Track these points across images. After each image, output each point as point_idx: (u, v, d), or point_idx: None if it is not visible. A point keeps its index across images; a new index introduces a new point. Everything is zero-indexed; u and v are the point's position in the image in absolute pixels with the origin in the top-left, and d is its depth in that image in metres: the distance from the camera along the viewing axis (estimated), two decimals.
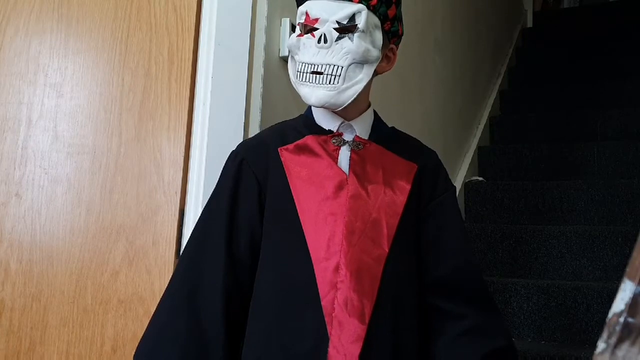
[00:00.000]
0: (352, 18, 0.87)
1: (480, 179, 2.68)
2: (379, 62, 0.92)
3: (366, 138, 0.94)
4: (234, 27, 1.19)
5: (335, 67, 0.87)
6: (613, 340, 0.41)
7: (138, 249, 1.13)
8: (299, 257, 0.85)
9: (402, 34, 0.99)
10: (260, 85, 1.20)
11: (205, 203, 0.95)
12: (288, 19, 1.29)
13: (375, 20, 0.90)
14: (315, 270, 0.83)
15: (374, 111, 1.00)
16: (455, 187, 1.01)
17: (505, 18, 3.80)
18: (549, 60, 3.66)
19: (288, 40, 0.95)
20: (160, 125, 1.17)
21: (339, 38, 0.87)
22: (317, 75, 0.87)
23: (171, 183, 1.14)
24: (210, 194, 0.95)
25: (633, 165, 2.48)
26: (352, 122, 0.94)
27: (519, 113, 3.21)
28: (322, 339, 0.80)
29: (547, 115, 3.01)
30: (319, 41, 0.87)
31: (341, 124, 0.93)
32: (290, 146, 0.92)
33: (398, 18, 0.96)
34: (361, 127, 0.95)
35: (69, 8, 1.26)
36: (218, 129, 1.15)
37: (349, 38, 0.87)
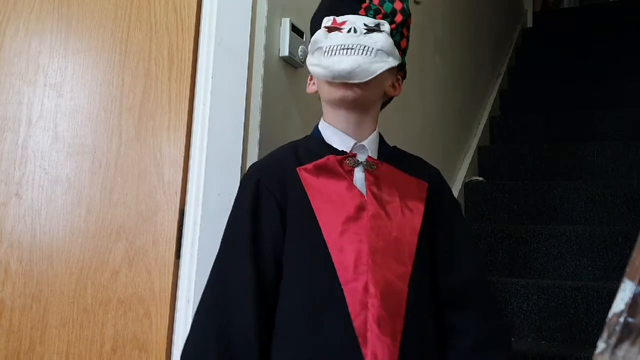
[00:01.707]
0: (377, 25, 0.91)
1: (480, 179, 2.68)
2: (389, 85, 0.96)
3: (376, 158, 0.95)
4: (234, 27, 1.19)
5: (366, 47, 0.88)
6: (613, 340, 0.41)
7: (138, 249, 1.13)
8: (326, 278, 0.84)
9: (406, 72, 1.02)
10: (260, 85, 1.20)
11: (226, 228, 0.93)
12: (288, 19, 1.29)
13: (392, 40, 0.93)
14: (344, 291, 0.82)
15: (379, 132, 1.01)
16: (460, 203, 1.03)
17: (505, 18, 3.80)
18: (549, 60, 3.66)
19: (312, 38, 0.95)
20: (160, 125, 1.17)
21: (367, 32, 0.90)
22: (348, 50, 0.88)
23: (171, 183, 1.14)
24: (228, 219, 0.93)
25: (633, 165, 2.48)
26: (364, 143, 0.95)
27: (519, 113, 3.21)
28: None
29: (547, 115, 3.01)
30: (348, 31, 0.90)
31: (355, 144, 0.94)
32: (309, 166, 0.91)
33: (406, 53, 0.99)
34: (372, 148, 0.96)
35: (69, 8, 1.26)
36: (218, 129, 1.15)
37: (377, 32, 0.90)
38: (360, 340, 0.80)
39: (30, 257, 1.17)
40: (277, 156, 0.99)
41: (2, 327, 1.15)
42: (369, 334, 0.80)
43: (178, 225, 1.12)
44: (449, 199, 1.00)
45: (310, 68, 0.95)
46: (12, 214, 1.19)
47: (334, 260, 0.84)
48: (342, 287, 0.82)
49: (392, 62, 0.91)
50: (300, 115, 1.32)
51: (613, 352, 0.40)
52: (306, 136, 1.02)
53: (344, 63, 0.87)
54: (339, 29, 0.91)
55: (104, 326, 1.11)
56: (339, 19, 0.92)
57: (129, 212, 1.14)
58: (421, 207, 0.92)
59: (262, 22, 1.23)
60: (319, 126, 0.99)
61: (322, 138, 0.97)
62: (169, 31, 1.20)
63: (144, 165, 1.16)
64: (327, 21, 0.93)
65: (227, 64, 1.17)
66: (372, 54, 0.88)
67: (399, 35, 0.94)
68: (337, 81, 0.90)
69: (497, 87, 3.37)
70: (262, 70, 1.21)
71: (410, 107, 2.06)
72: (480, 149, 2.86)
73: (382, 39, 0.90)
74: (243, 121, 1.17)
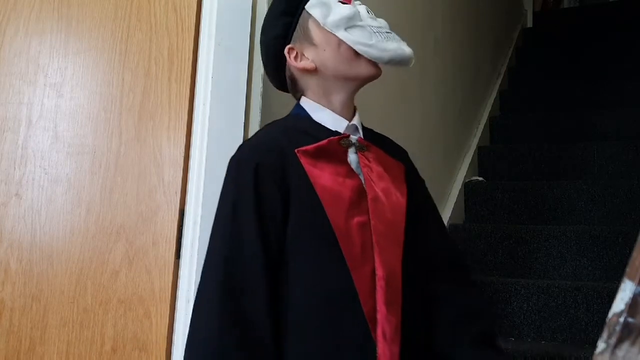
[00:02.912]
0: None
1: (480, 179, 2.68)
2: None
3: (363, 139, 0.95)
4: (234, 27, 1.19)
5: (392, 32, 0.93)
6: (613, 340, 0.41)
7: (138, 249, 1.13)
8: (336, 264, 0.82)
9: None
10: (260, 85, 1.20)
11: (219, 215, 0.86)
12: None
13: None
14: (353, 277, 0.82)
15: None
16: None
17: (505, 18, 3.80)
18: (549, 60, 3.66)
19: (340, 12, 0.90)
20: (160, 125, 1.17)
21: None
22: (391, 34, 0.91)
23: (171, 183, 1.14)
24: (223, 200, 0.86)
25: (633, 165, 2.48)
26: (354, 122, 0.93)
27: (519, 113, 3.20)
28: (367, 343, 0.81)
29: (547, 115, 3.01)
30: (367, 12, 0.93)
31: (348, 124, 0.92)
32: (310, 148, 0.86)
33: None
34: (359, 128, 0.95)
35: (69, 8, 1.26)
36: (218, 129, 1.15)
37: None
38: (370, 326, 0.81)
39: (30, 257, 1.17)
40: (270, 137, 0.91)
41: (2, 327, 1.15)
42: (378, 316, 0.82)
43: (178, 225, 1.12)
44: (419, 178, 1.02)
45: (359, 47, 0.89)
46: (12, 214, 1.19)
47: (342, 248, 0.82)
48: (352, 274, 0.82)
49: None
50: None
51: (613, 352, 0.40)
52: (288, 116, 0.97)
53: (407, 50, 0.90)
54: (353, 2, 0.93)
55: (104, 326, 1.11)
56: None
57: (129, 212, 1.14)
58: (404, 188, 0.93)
59: (262, 22, 1.22)
60: (302, 105, 0.95)
61: (310, 117, 0.93)
62: (169, 31, 1.20)
63: (144, 165, 1.16)
64: None
65: (227, 64, 1.17)
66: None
67: None
68: (390, 64, 0.91)
69: (497, 87, 3.37)
70: (262, 70, 1.21)
71: (410, 107, 2.06)
72: (480, 149, 2.86)
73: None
74: (243, 121, 1.17)
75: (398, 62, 0.90)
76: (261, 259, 0.81)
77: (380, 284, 0.83)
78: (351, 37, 0.89)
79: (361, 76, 0.93)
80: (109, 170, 1.17)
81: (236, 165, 0.87)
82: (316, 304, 0.83)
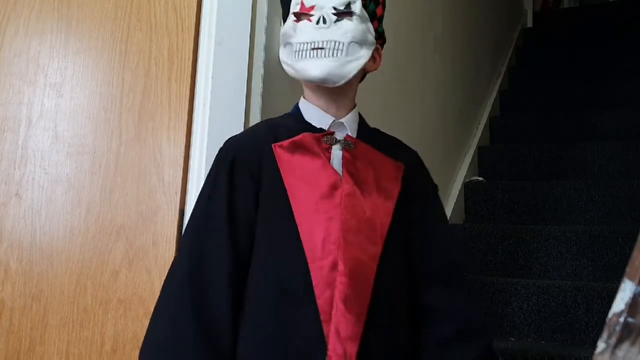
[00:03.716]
0: (348, 5, 0.88)
1: (480, 179, 2.68)
2: (367, 63, 0.93)
3: (354, 137, 0.94)
4: (234, 27, 1.19)
5: (337, 42, 0.87)
6: (613, 340, 0.41)
7: (138, 249, 1.13)
8: (294, 256, 0.84)
9: (385, 38, 1.00)
10: (260, 85, 1.20)
11: (196, 205, 0.91)
12: None
13: (366, 15, 0.91)
14: (310, 270, 0.83)
15: (358, 112, 1.00)
16: (437, 185, 1.03)
17: (505, 18, 3.80)
18: (549, 60, 3.66)
19: (281, 30, 0.94)
20: (160, 125, 1.17)
21: (337, 20, 0.88)
22: (319, 50, 0.87)
23: (171, 183, 1.14)
24: (202, 191, 0.92)
25: (633, 165, 2.48)
26: (343, 120, 0.94)
27: (519, 113, 3.20)
28: (318, 339, 0.80)
29: (547, 115, 3.01)
30: (317, 22, 0.87)
31: (333, 122, 0.93)
32: (285, 143, 0.89)
33: (382, 21, 0.98)
34: (350, 126, 0.94)
35: (69, 8, 1.26)
36: (218, 129, 1.15)
37: (348, 19, 0.88)
38: (323, 317, 0.80)
39: (30, 257, 1.17)
40: (253, 132, 0.98)
41: (2, 327, 1.15)
42: (333, 312, 0.81)
43: (178, 225, 1.12)
44: (426, 182, 1.00)
45: (283, 65, 0.93)
46: (12, 214, 1.19)
47: (302, 238, 0.84)
48: (309, 265, 0.82)
49: (365, 54, 0.89)
50: None
51: (613, 352, 0.40)
52: (285, 114, 1.00)
53: (314, 70, 0.87)
54: (308, 16, 0.88)
55: (104, 326, 1.11)
56: (307, 1, 0.89)
57: (129, 212, 1.14)
58: (396, 188, 0.91)
59: (262, 22, 1.23)
60: (299, 104, 0.97)
61: (302, 116, 0.95)
62: (169, 31, 1.20)
63: (144, 165, 1.16)
64: (295, 5, 0.91)
65: (227, 64, 1.17)
66: (343, 53, 0.87)
67: (373, 3, 0.93)
68: (308, 82, 0.92)
69: (497, 87, 3.37)
70: (262, 70, 1.21)
71: (410, 107, 2.06)
72: (480, 149, 2.86)
73: (352, 28, 0.87)
74: (243, 121, 1.17)
75: (308, 81, 0.90)
76: (225, 250, 0.85)
77: (340, 279, 0.81)
78: (281, 55, 0.94)
79: (304, 81, 0.94)
80: (109, 170, 1.17)
81: (217, 157, 0.93)
82: (269, 294, 0.84)
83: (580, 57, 3.53)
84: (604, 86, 3.11)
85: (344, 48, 0.87)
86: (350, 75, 0.88)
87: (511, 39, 3.94)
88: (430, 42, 2.28)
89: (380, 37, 0.97)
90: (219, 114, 1.15)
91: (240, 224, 0.87)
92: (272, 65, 1.26)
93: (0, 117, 1.23)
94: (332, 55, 0.86)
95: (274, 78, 1.26)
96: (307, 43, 0.87)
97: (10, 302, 1.15)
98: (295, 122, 0.95)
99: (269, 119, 1.01)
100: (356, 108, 0.98)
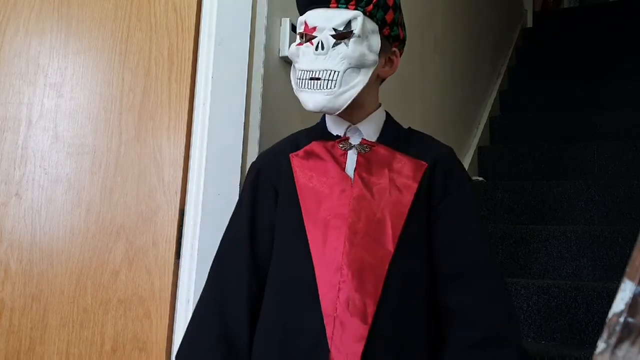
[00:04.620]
0: (349, 24, 0.91)
1: (480, 179, 2.68)
2: (381, 67, 0.96)
3: (374, 140, 0.96)
4: (234, 27, 1.19)
5: (332, 72, 0.90)
6: (613, 340, 0.41)
7: (138, 249, 1.13)
8: (302, 258, 0.88)
9: (404, 38, 1.01)
10: (260, 85, 1.20)
11: (233, 212, 1.01)
12: (288, 19, 1.29)
13: (373, 25, 0.92)
14: (316, 272, 0.86)
15: (386, 112, 1.02)
16: (472, 182, 1.01)
17: (505, 18, 3.80)
18: (549, 60, 3.66)
19: (289, 50, 0.98)
20: (160, 125, 1.17)
21: (335, 44, 0.90)
22: (315, 81, 0.91)
23: (171, 183, 1.14)
24: (235, 207, 1.01)
25: (633, 165, 2.48)
26: (358, 125, 0.96)
27: (519, 113, 3.20)
28: (321, 340, 0.82)
29: (547, 115, 3.01)
30: (316, 48, 0.91)
31: (347, 128, 0.97)
32: (300, 152, 0.96)
33: (397, 23, 0.97)
34: (369, 130, 0.96)
35: (69, 8, 1.26)
36: (218, 129, 1.15)
37: (345, 44, 0.90)
38: (326, 320, 0.83)
39: (30, 257, 1.17)
40: (279, 145, 1.04)
41: (2, 327, 1.15)
42: (336, 314, 0.83)
43: (178, 225, 1.12)
44: (457, 179, 0.96)
45: (293, 85, 0.96)
46: (12, 214, 1.19)
47: (309, 241, 0.88)
48: (315, 269, 0.86)
49: (362, 79, 0.91)
50: (300, 115, 1.32)
51: (613, 352, 0.40)
52: (316, 123, 1.05)
53: (310, 103, 0.91)
54: (310, 39, 0.92)
55: (104, 326, 1.11)
56: (310, 21, 0.92)
57: (129, 212, 1.14)
58: (413, 188, 0.90)
59: (262, 22, 1.23)
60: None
61: (325, 124, 1.00)
62: (169, 31, 1.20)
63: (144, 165, 1.16)
64: (300, 25, 0.94)
65: (227, 64, 1.17)
66: (337, 84, 0.89)
67: (381, 10, 0.93)
68: None
69: (497, 87, 3.37)
70: (262, 70, 1.21)
71: (410, 107, 2.06)
72: (480, 149, 2.86)
73: (349, 53, 0.89)
74: (243, 121, 1.17)
75: (309, 110, 0.94)
76: (244, 260, 0.93)
77: (343, 281, 0.84)
78: (291, 75, 0.98)
79: None
80: (109, 170, 1.17)
81: (248, 170, 1.04)
82: (276, 296, 0.90)
83: (580, 57, 3.53)
84: (604, 86, 3.11)
85: (339, 78, 0.90)
86: (344, 105, 0.91)
87: (511, 39, 3.94)
88: (430, 42, 2.28)
89: (395, 40, 0.98)
90: (219, 114, 1.15)
91: (260, 233, 0.95)
92: (272, 65, 1.26)
93: (0, 117, 1.23)
94: (327, 87, 0.90)
95: (274, 78, 1.26)
96: (307, 71, 0.92)
97: (10, 302, 1.15)
98: (316, 131, 1.01)
99: (298, 131, 1.07)
100: (379, 110, 1.00)
